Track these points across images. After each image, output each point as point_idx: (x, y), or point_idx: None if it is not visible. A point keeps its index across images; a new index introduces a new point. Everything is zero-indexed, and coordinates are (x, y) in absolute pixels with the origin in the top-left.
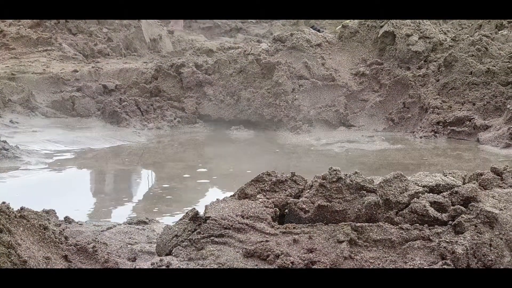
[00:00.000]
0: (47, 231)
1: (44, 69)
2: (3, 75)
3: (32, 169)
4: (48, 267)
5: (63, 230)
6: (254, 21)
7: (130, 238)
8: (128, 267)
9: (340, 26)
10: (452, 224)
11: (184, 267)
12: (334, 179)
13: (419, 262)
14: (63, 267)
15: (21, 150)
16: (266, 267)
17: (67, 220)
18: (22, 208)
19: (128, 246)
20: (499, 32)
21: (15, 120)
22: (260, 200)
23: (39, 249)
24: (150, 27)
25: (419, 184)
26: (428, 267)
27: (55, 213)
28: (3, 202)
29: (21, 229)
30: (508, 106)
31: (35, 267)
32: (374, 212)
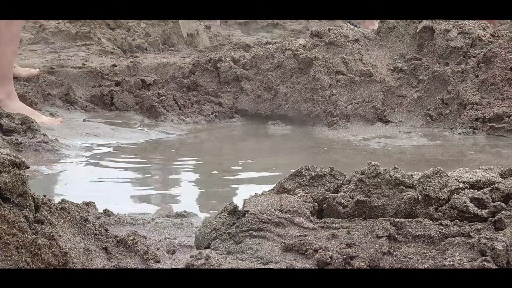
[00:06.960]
0: (88, 223)
1: (83, 64)
2: (43, 69)
3: (72, 162)
4: (89, 258)
5: (103, 222)
6: None
7: (168, 231)
8: (167, 260)
9: (378, 21)
10: (492, 220)
11: (222, 260)
12: (373, 174)
13: (458, 258)
14: (104, 259)
15: (60, 143)
16: (304, 261)
17: (106, 213)
18: (63, 201)
19: (167, 239)
20: None
21: (55, 114)
22: (298, 194)
23: (80, 241)
24: (187, 22)
25: (459, 180)
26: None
27: (95, 205)
28: (44, 195)
29: (62, 221)
30: None
31: (75, 258)
32: (414, 208)
